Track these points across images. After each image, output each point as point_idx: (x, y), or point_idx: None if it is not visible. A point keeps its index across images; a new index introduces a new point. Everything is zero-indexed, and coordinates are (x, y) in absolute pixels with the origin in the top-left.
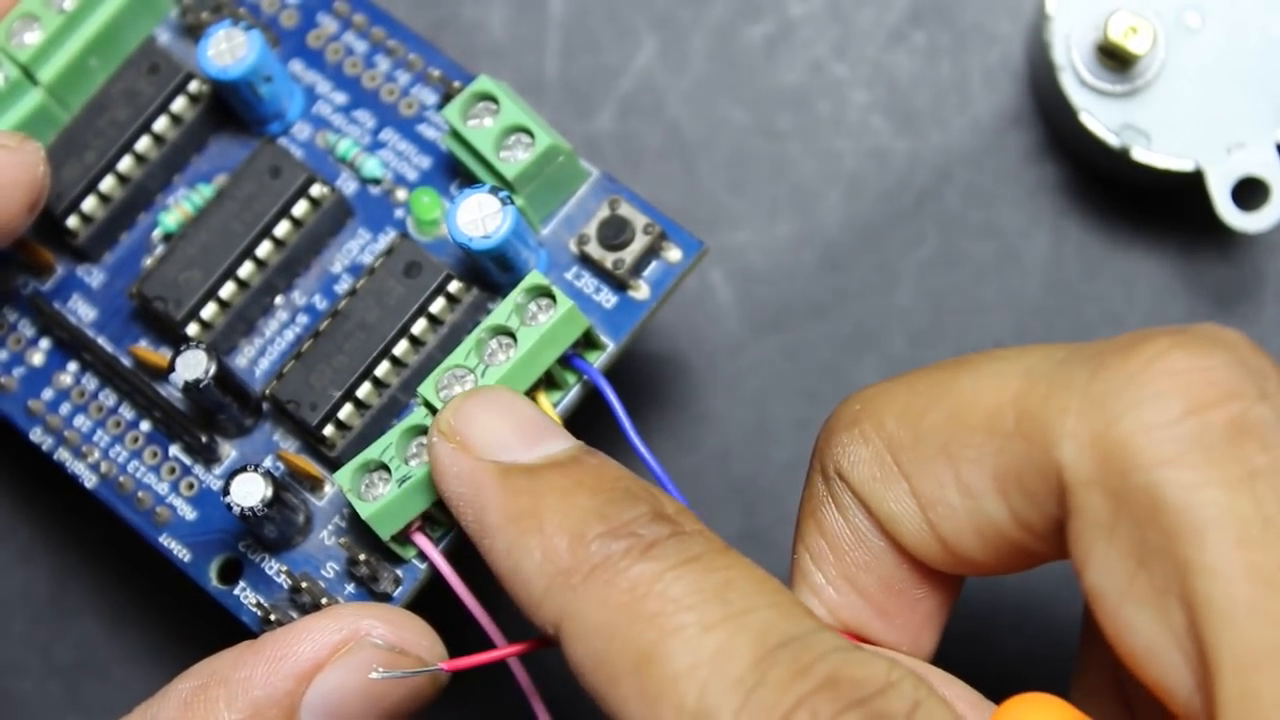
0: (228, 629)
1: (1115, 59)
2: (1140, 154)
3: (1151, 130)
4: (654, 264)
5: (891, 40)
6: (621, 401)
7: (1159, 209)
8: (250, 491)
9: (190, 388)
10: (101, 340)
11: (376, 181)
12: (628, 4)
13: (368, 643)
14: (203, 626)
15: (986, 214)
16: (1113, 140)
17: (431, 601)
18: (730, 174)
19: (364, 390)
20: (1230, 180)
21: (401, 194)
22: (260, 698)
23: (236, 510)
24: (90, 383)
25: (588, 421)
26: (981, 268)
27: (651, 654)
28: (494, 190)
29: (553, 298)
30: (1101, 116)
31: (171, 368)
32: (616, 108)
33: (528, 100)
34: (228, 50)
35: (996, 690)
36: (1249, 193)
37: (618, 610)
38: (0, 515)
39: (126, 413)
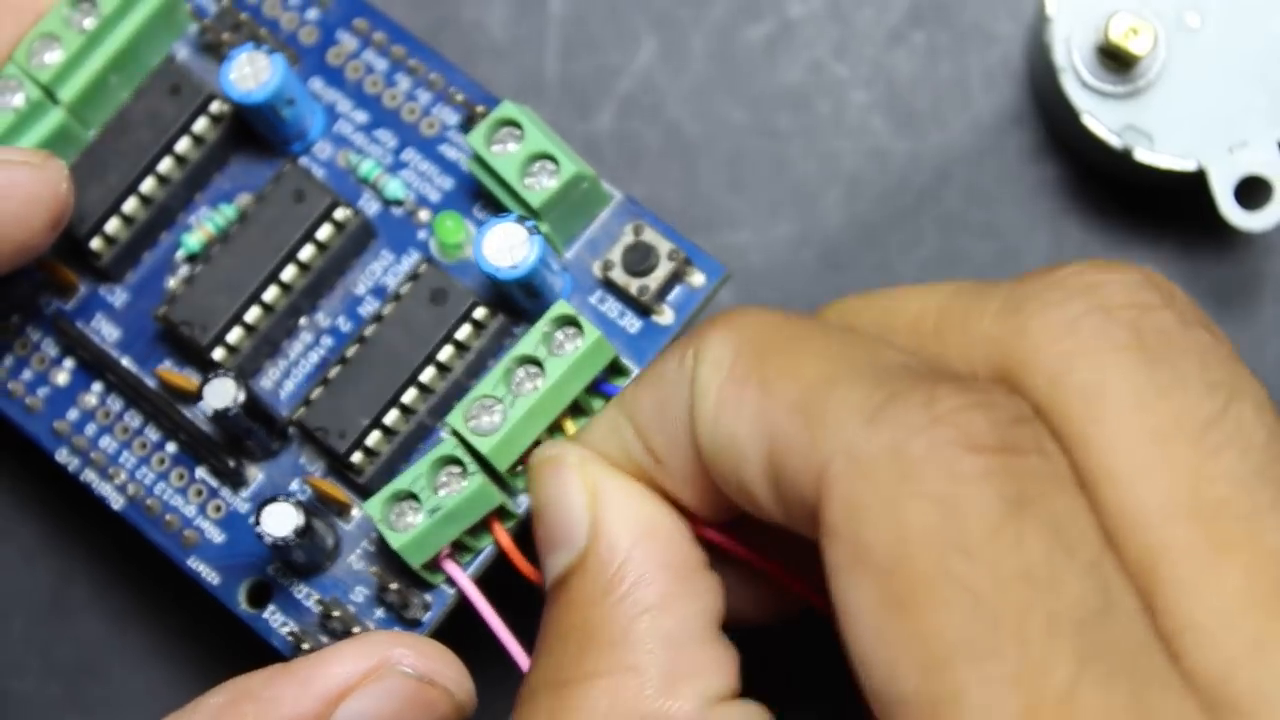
0: (230, 628)
1: (1116, 60)
2: (1142, 155)
3: (1153, 131)
4: (678, 289)
5: (891, 40)
6: None
7: (1159, 209)
8: (282, 522)
9: (219, 416)
10: (126, 361)
11: (399, 203)
12: (628, 4)
13: (397, 670)
14: (203, 626)
15: (986, 214)
16: (1114, 141)
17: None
18: (730, 174)
19: (391, 417)
20: (1233, 180)
21: (424, 215)
22: (288, 717)
23: (269, 540)
24: (115, 403)
25: None
26: (981, 268)
27: (779, 374)
28: (521, 220)
29: (579, 326)
30: (1103, 117)
31: (199, 396)
32: (616, 108)
33: (527, 101)
34: (250, 74)
35: None
36: (1252, 192)
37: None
38: (1, 515)
39: (152, 434)
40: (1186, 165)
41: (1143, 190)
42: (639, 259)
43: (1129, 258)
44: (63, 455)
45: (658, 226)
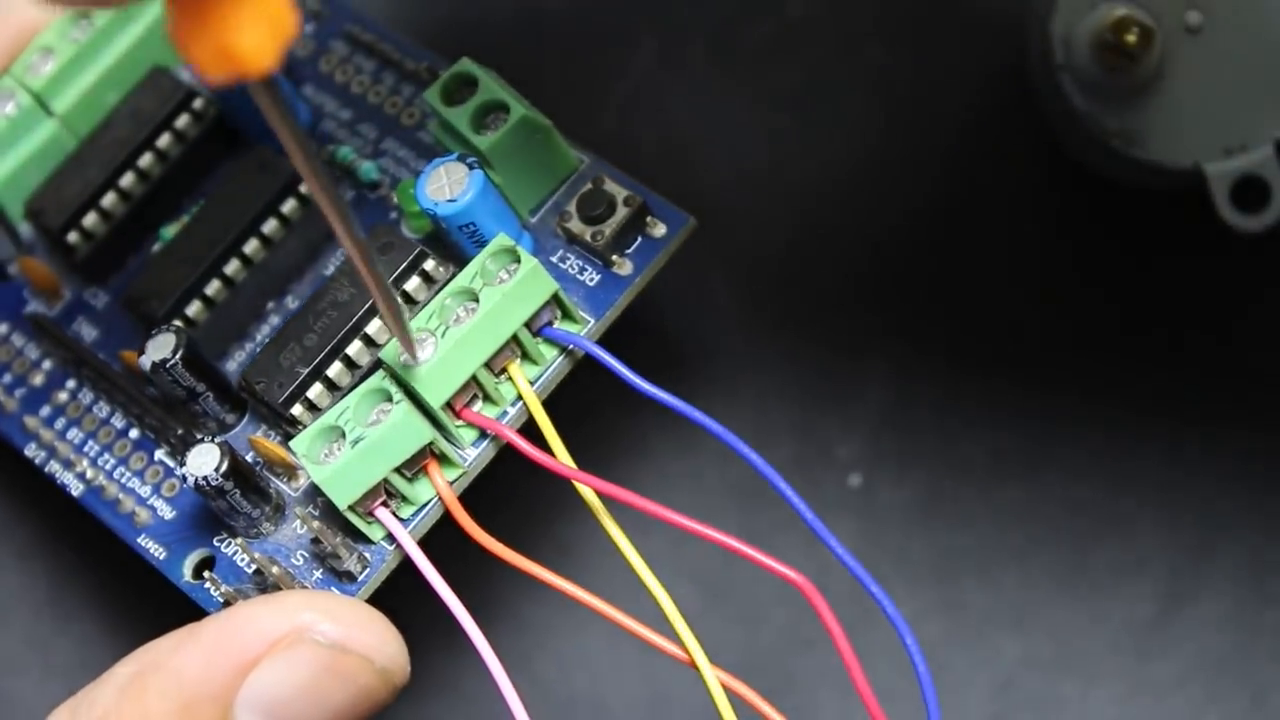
0: None
1: (1115, 59)
2: (1140, 154)
3: (1152, 131)
4: (639, 240)
5: (891, 40)
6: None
7: (1159, 209)
8: (205, 462)
9: (158, 368)
10: (99, 352)
11: (374, 186)
12: (628, 4)
13: (308, 638)
14: None
15: (986, 214)
16: (1113, 141)
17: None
18: (730, 174)
19: (335, 369)
20: (1230, 180)
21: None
22: (193, 691)
23: (191, 481)
24: (86, 396)
25: (583, 394)
26: (982, 268)
27: None
28: (461, 158)
29: (519, 260)
30: (1101, 116)
31: (141, 351)
32: (616, 108)
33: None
34: None
35: (997, 690)
36: (1249, 192)
37: None
38: None
39: (118, 422)
40: (1184, 165)
41: (1142, 190)
42: (593, 205)
43: (1126, 257)
44: (31, 450)
45: (619, 178)
